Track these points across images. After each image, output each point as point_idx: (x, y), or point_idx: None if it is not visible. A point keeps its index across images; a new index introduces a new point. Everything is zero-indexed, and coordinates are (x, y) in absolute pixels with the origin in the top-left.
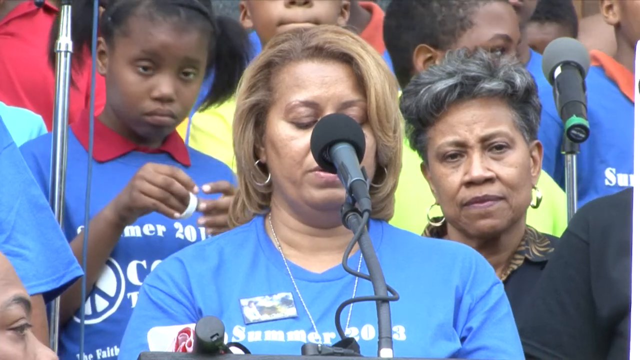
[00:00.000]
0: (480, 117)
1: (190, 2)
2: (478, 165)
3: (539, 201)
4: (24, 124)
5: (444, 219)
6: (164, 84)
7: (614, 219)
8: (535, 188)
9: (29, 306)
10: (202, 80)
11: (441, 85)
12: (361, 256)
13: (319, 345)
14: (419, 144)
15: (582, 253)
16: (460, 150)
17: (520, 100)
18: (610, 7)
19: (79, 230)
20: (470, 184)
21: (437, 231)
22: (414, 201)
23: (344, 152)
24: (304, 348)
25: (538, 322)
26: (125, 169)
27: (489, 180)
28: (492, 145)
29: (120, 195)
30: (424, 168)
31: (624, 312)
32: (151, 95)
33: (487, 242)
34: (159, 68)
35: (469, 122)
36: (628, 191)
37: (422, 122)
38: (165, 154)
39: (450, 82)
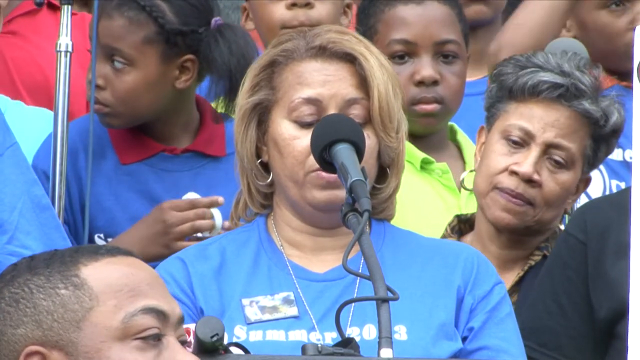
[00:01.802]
0: (561, 125)
1: None
2: (532, 163)
3: None
4: (45, 123)
5: (467, 219)
6: (96, 69)
7: (612, 220)
8: (569, 214)
9: (163, 316)
10: (166, 78)
11: (548, 77)
12: (344, 256)
13: (319, 345)
14: (493, 108)
15: (580, 254)
16: (525, 140)
17: (603, 135)
18: None
19: (96, 238)
20: (515, 174)
21: (460, 228)
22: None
23: (344, 152)
24: (304, 348)
25: (536, 323)
26: (150, 171)
27: (531, 182)
28: (552, 155)
29: (150, 245)
30: (482, 130)
31: (622, 314)
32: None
33: (514, 239)
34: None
35: (549, 122)
36: (626, 191)
37: (510, 92)
38: (193, 153)
39: (559, 80)
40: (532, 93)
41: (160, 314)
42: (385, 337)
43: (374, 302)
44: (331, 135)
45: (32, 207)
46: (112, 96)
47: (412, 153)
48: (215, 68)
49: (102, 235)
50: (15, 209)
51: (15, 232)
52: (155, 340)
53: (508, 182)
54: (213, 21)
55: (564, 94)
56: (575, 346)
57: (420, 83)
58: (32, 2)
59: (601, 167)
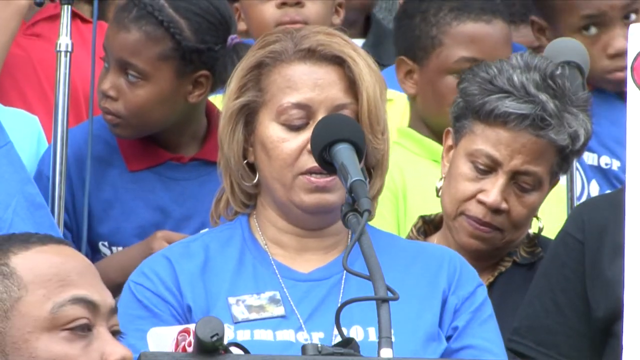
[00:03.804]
0: (527, 151)
1: (147, 6)
2: (498, 192)
3: (540, 230)
4: (23, 125)
5: (431, 220)
6: (105, 79)
7: (609, 219)
8: (538, 218)
9: (93, 306)
10: (176, 94)
11: (514, 107)
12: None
13: (319, 345)
14: (458, 123)
15: (577, 253)
16: (491, 167)
17: (572, 153)
18: None
19: (100, 246)
20: (482, 202)
21: (425, 230)
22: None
23: (344, 152)
24: (304, 348)
25: (533, 322)
26: (156, 180)
27: (499, 211)
28: (519, 181)
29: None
30: (448, 133)
31: (619, 313)
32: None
33: (482, 252)
34: (109, 62)
35: (516, 149)
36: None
37: (476, 113)
38: (199, 161)
39: (524, 111)
40: (498, 121)
41: (90, 304)
42: (385, 337)
43: (362, 303)
44: (331, 135)
45: (27, 206)
46: (124, 108)
47: (437, 151)
48: None
49: (106, 243)
50: (9, 207)
51: (9, 229)
52: (84, 330)
53: (475, 210)
54: (229, 39)
55: (530, 124)
56: (573, 345)
57: None
58: (55, 7)
59: (580, 169)
